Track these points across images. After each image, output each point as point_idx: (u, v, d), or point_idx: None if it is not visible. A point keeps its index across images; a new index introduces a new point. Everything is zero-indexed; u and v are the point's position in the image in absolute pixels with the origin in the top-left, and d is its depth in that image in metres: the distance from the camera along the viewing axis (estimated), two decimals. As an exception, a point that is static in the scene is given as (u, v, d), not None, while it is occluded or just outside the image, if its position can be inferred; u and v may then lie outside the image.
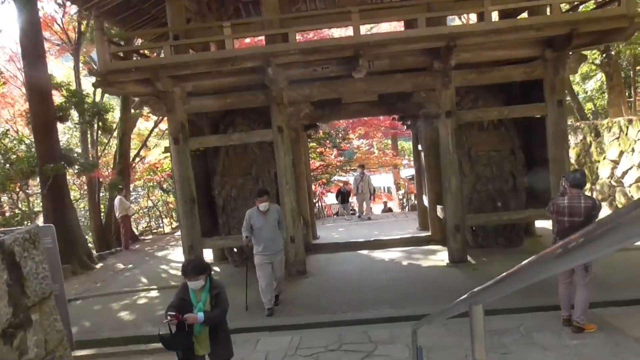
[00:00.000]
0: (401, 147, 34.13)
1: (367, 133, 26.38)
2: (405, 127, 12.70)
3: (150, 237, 16.10)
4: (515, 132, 9.49)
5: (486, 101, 9.31)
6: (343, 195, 17.82)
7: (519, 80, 8.42)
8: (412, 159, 29.80)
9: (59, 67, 20.65)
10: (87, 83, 17.79)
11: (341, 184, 20.22)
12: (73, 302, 8.77)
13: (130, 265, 11.36)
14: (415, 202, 18.51)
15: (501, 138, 9.51)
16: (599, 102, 18.57)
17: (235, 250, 9.97)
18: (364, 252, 10.30)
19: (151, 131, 17.93)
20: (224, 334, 4.42)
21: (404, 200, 24.85)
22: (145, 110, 16.88)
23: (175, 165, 8.70)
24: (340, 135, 21.12)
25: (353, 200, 17.82)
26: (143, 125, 19.13)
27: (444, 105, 8.31)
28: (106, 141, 15.97)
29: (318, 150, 21.53)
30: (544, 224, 10.91)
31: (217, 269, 10.10)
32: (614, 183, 11.90)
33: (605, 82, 16.54)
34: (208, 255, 10.81)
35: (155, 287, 9.04)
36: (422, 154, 11.27)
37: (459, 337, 5.79)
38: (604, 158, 12.35)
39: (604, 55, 15.84)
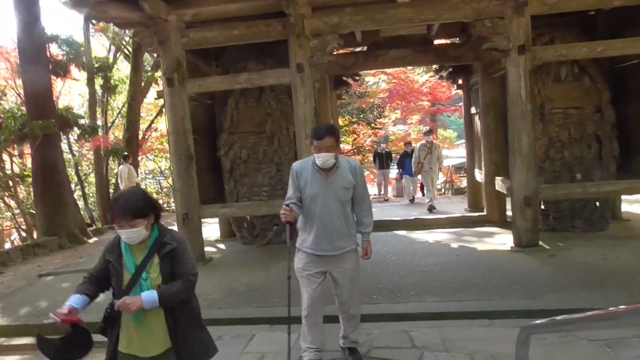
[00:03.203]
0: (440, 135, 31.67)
1: (404, 117, 24.19)
2: (455, 87, 10.64)
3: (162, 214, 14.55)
4: (604, 84, 7.35)
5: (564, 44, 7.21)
6: (381, 158, 13.22)
7: (618, 4, 6.29)
8: (457, 143, 27.61)
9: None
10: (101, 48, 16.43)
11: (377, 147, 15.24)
12: (44, 277, 7.22)
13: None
14: (460, 185, 16.40)
15: (584, 91, 7.40)
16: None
17: (245, 224, 8.21)
18: (401, 232, 8.36)
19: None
20: (192, 321, 2.64)
21: (444, 187, 22.58)
22: (159, 74, 15.37)
23: (169, 113, 6.97)
24: (375, 112, 19.09)
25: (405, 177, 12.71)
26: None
27: (515, 37, 6.28)
28: (117, 107, 14.43)
29: (351, 128, 19.58)
30: (630, 208, 8.75)
31: (221, 246, 8.39)
32: None
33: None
34: (214, 231, 9.12)
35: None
36: (477, 118, 9.24)
37: (546, 347, 3.83)
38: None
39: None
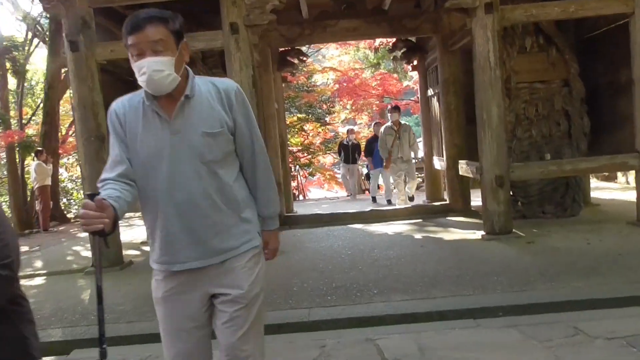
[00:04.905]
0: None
1: (354, 117, 23.37)
2: (410, 67, 9.86)
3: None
4: (571, 55, 6.72)
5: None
6: (347, 151, 11.11)
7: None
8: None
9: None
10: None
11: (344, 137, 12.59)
12: None
13: (36, 247, 8.29)
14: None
15: (550, 63, 6.75)
16: None
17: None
18: (357, 226, 7.40)
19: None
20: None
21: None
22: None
23: (74, 83, 5.71)
24: (324, 107, 18.19)
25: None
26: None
27: (482, -6, 5.49)
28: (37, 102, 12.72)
29: (299, 126, 18.54)
30: (594, 194, 8.19)
31: (147, 249, 7.11)
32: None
33: None
34: (142, 233, 7.85)
35: (44, 271, 6.05)
36: (435, 100, 8.47)
37: (554, 350, 2.93)
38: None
39: None
